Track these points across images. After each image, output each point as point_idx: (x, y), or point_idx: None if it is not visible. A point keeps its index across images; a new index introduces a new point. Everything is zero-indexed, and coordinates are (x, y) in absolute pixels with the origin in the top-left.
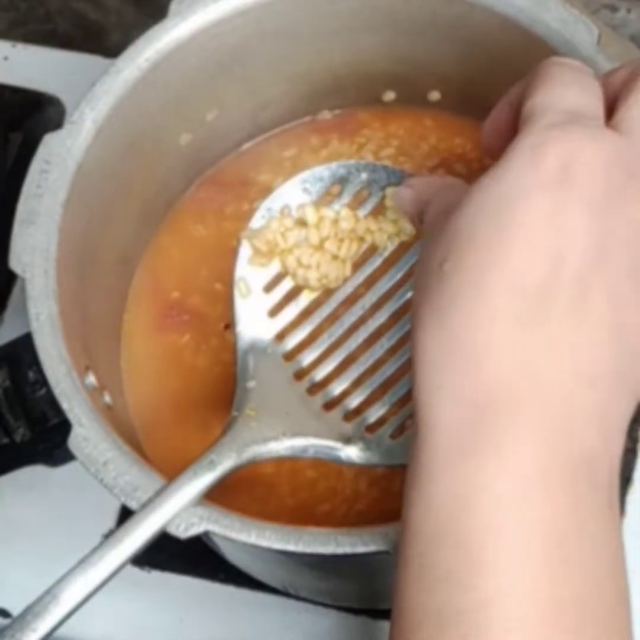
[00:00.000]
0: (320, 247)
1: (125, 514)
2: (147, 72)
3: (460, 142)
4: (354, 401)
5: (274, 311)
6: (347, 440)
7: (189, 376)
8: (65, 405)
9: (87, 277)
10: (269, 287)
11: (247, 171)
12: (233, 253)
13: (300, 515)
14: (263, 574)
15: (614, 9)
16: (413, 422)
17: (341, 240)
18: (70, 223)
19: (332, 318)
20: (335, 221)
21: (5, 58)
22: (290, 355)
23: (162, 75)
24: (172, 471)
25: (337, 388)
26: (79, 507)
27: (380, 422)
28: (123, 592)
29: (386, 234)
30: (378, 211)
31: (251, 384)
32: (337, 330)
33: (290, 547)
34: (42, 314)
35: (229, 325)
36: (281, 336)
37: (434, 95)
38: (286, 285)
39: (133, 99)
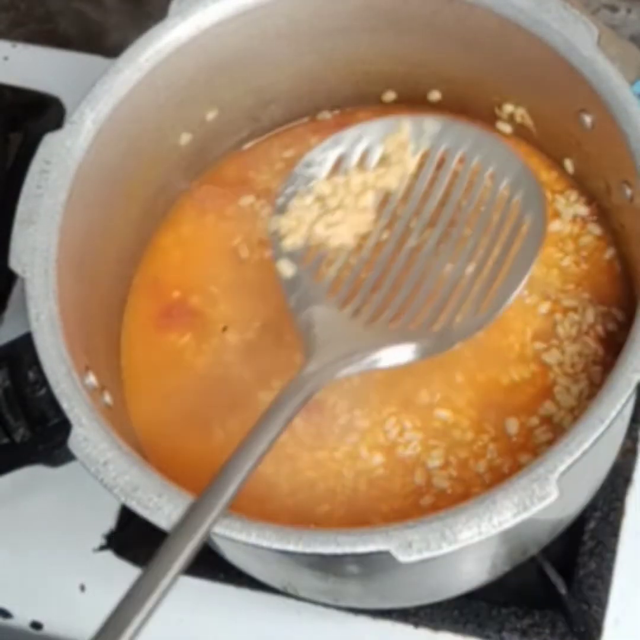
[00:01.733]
0: (340, 206)
1: (126, 514)
2: (147, 72)
3: None
4: (393, 308)
5: (320, 276)
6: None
7: (189, 376)
8: (65, 405)
9: (87, 277)
10: (307, 260)
11: (247, 171)
12: (233, 253)
13: (300, 515)
14: (263, 574)
15: (614, 9)
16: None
17: (357, 195)
18: (70, 223)
19: (369, 263)
20: (347, 183)
21: (5, 58)
22: (344, 302)
23: (162, 75)
24: (172, 471)
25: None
26: (79, 507)
27: (419, 316)
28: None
29: (395, 177)
30: (383, 160)
31: (315, 330)
32: (377, 268)
33: (290, 547)
34: (42, 314)
35: (227, 327)
36: (334, 291)
37: (434, 95)
38: (322, 253)
39: (133, 99)
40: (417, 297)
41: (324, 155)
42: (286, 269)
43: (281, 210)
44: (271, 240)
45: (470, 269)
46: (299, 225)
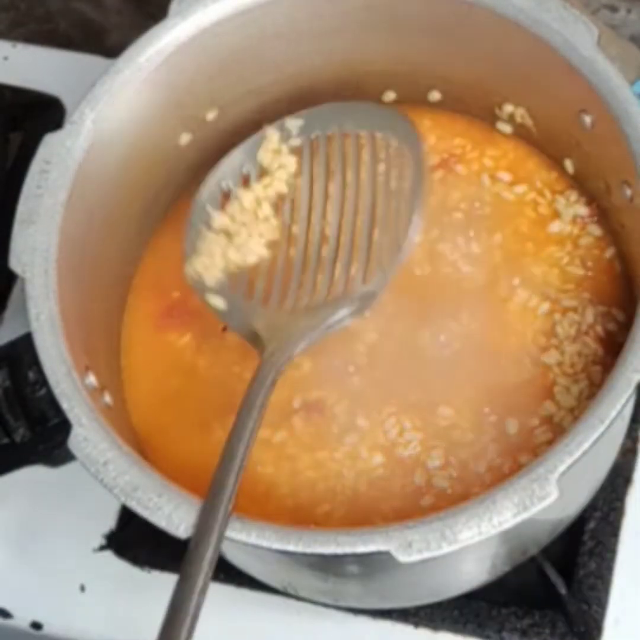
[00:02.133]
0: (243, 225)
1: (126, 514)
2: (147, 72)
3: (460, 142)
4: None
5: (250, 294)
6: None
7: (189, 376)
8: (65, 405)
9: (87, 277)
10: (234, 287)
11: None
12: None
13: (300, 515)
14: (263, 574)
15: (614, 9)
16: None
17: (254, 210)
18: (70, 223)
19: (289, 260)
20: (240, 205)
21: (5, 58)
22: (280, 303)
23: (162, 75)
24: (172, 471)
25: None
26: (79, 507)
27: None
28: (123, 592)
29: (281, 180)
30: (265, 172)
31: (262, 334)
32: (297, 261)
33: (290, 547)
34: (42, 314)
35: (227, 327)
36: (267, 298)
37: (434, 95)
38: (244, 274)
39: (133, 99)
40: (340, 268)
41: (210, 194)
42: (218, 303)
43: (190, 254)
44: (194, 287)
45: (376, 228)
46: (212, 260)
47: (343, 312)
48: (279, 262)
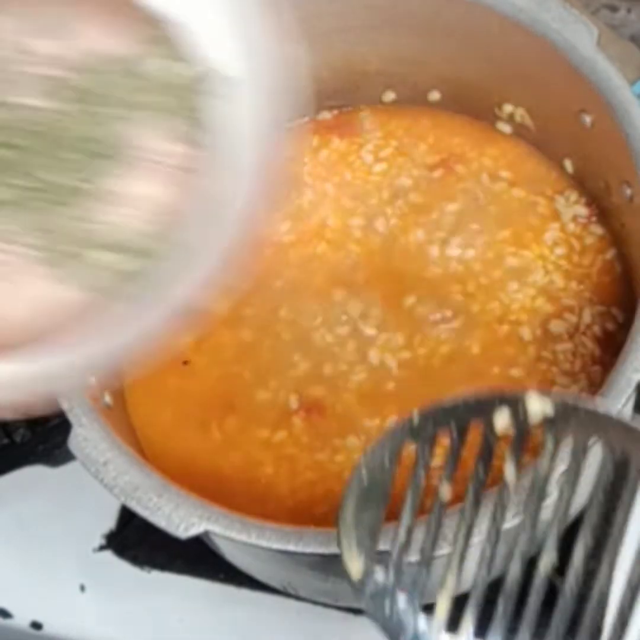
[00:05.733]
0: None
1: (126, 514)
2: None
3: (460, 141)
4: None
5: None
6: None
7: (189, 376)
8: (65, 405)
9: None
10: None
11: None
12: None
13: (300, 516)
14: (263, 574)
15: (614, 9)
16: None
17: None
18: None
19: None
20: None
21: None
22: None
23: None
24: (172, 471)
25: None
26: (79, 507)
27: None
28: (123, 592)
29: None
30: None
31: None
32: None
33: (290, 547)
34: None
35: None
36: None
37: (434, 95)
38: None
39: None
40: None
41: None
42: None
43: None
44: None
45: None
46: None
47: None
48: None
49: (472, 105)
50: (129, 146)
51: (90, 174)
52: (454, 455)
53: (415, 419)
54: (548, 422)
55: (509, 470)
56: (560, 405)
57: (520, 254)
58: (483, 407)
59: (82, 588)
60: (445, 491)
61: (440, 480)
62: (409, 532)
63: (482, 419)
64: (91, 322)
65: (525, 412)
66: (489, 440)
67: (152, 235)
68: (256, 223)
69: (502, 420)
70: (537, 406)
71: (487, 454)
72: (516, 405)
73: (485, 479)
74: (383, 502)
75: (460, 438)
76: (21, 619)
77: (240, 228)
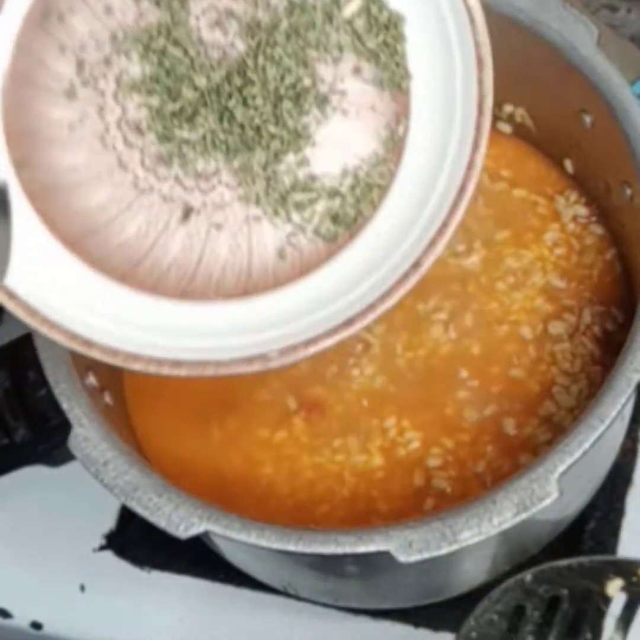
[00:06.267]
0: None
1: (126, 514)
2: None
3: None
4: None
5: None
6: None
7: None
8: (65, 405)
9: None
10: None
11: None
12: None
13: (300, 516)
14: (263, 574)
15: (614, 9)
16: None
17: None
18: None
19: None
20: None
21: None
22: None
23: None
24: (172, 471)
25: None
26: (79, 507)
27: None
28: (123, 592)
29: None
30: None
31: None
32: None
33: (290, 547)
34: None
35: None
36: None
37: None
38: None
39: None
40: None
41: None
42: None
43: None
44: None
45: None
46: None
47: None
48: None
49: None
50: (334, 91)
51: (302, 120)
52: (566, 620)
53: (529, 579)
54: None
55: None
56: None
57: (520, 254)
58: (596, 573)
59: (82, 588)
60: None
61: None
62: None
63: (596, 584)
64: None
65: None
66: (599, 605)
67: (364, 181)
68: (469, 172)
69: (614, 587)
70: None
71: (597, 618)
72: (629, 574)
73: None
74: None
75: (572, 603)
76: (21, 619)
77: (455, 178)
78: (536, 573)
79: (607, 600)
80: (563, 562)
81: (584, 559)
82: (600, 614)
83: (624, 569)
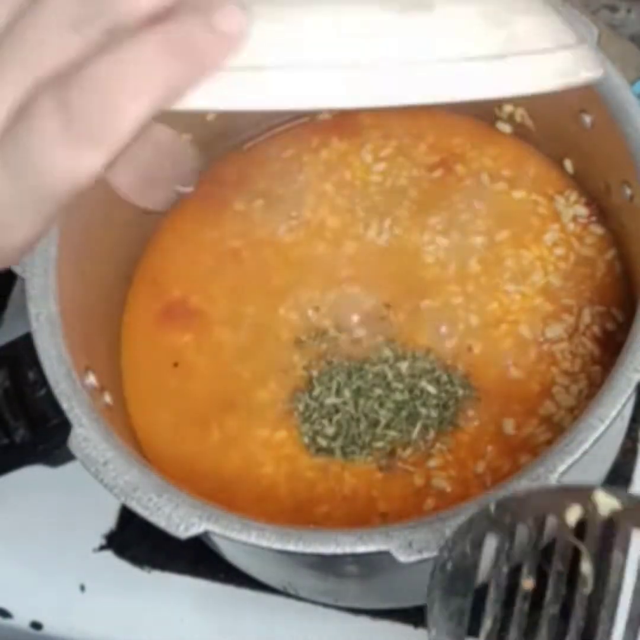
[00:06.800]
0: None
1: (126, 514)
2: None
3: (459, 141)
4: None
5: None
6: None
7: (189, 376)
8: (65, 405)
9: (87, 277)
10: None
11: (247, 171)
12: (233, 253)
13: (300, 515)
14: (263, 574)
15: (614, 9)
16: None
17: None
18: (70, 223)
19: None
20: None
21: None
22: None
23: None
24: (171, 471)
25: None
26: (79, 507)
27: None
28: (123, 592)
29: None
30: None
31: None
32: None
33: (290, 547)
34: (42, 314)
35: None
36: None
37: None
38: None
39: None
40: None
41: None
42: None
43: None
44: None
45: None
46: None
47: None
48: None
49: (472, 105)
50: None
51: None
52: (534, 549)
53: (492, 509)
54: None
55: (586, 566)
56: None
57: (520, 254)
58: (554, 500)
59: (82, 588)
60: (528, 584)
61: (522, 575)
62: (496, 621)
63: (556, 513)
64: None
65: (594, 506)
66: (565, 536)
67: None
68: None
69: (573, 515)
70: (605, 501)
71: (564, 548)
72: (585, 500)
73: (566, 573)
74: (469, 589)
75: (539, 533)
76: (21, 619)
77: None
78: (499, 502)
79: (570, 530)
80: (522, 492)
81: (540, 487)
82: (568, 545)
83: (579, 495)
